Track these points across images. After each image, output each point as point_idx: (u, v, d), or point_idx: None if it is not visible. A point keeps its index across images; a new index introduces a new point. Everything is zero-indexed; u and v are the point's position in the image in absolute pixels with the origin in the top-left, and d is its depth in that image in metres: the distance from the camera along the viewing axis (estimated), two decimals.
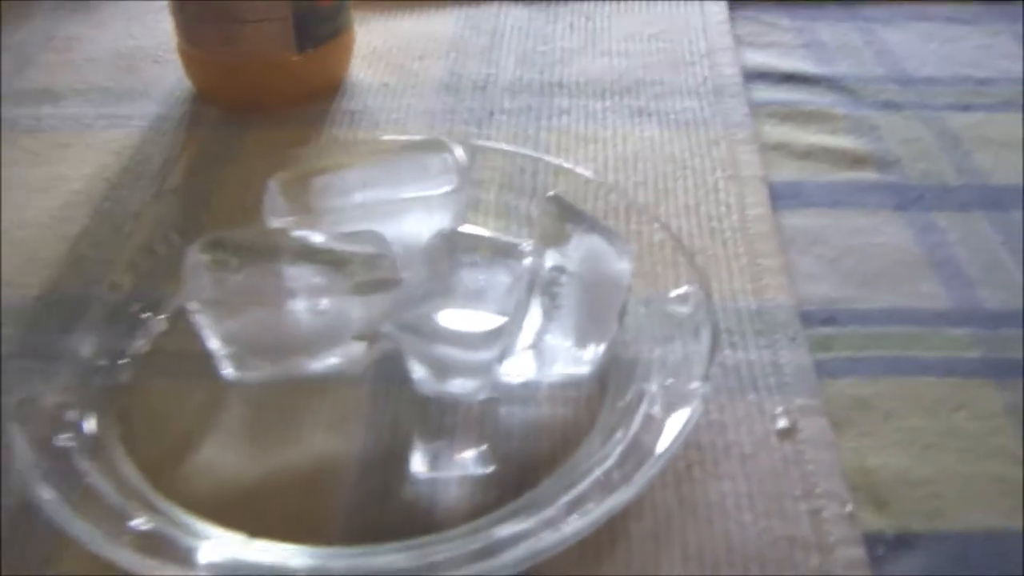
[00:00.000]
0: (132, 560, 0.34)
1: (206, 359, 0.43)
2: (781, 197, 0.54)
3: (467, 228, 0.45)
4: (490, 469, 0.39)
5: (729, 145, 0.57)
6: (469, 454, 0.40)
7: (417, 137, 0.56)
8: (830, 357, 0.45)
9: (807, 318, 0.46)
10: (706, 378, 0.40)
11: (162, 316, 0.46)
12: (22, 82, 0.65)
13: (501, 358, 0.41)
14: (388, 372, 0.43)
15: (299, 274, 0.41)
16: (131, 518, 0.36)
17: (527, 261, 0.42)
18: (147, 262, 0.48)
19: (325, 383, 0.43)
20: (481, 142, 0.55)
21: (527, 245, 0.43)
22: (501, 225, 0.50)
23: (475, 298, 0.41)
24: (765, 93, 0.62)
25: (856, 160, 0.57)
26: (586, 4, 0.72)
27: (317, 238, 0.43)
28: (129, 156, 0.58)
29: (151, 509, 0.37)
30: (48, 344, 0.44)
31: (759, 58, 0.66)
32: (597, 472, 0.37)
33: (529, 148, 0.56)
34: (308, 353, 0.42)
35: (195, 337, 0.44)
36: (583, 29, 0.69)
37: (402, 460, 0.40)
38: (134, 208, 0.53)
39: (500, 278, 0.42)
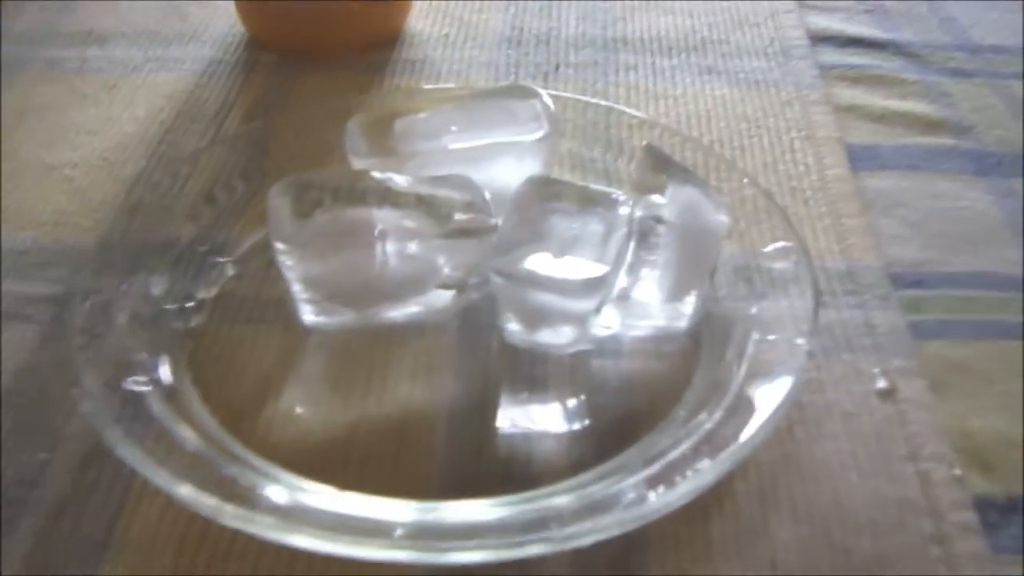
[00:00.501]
0: (219, 509, 0.32)
1: (280, 304, 0.41)
2: (858, 159, 0.52)
3: (557, 176, 0.43)
4: (585, 423, 0.38)
5: (802, 106, 0.56)
6: (562, 408, 0.39)
7: (499, 84, 0.54)
8: (922, 319, 0.43)
9: (896, 280, 0.45)
10: (811, 334, 0.38)
11: (231, 260, 0.44)
12: (64, 24, 0.63)
13: (599, 308, 0.39)
14: (475, 322, 0.41)
15: (387, 216, 0.40)
16: (214, 465, 0.35)
17: (623, 209, 0.40)
18: (209, 208, 0.46)
19: (408, 332, 0.41)
20: (552, 92, 0.53)
21: (621, 194, 0.41)
22: (578, 177, 0.49)
23: (569, 246, 0.40)
24: (832, 56, 0.61)
25: (930, 125, 0.55)
26: None
27: (404, 181, 0.41)
28: (182, 100, 0.56)
29: (232, 457, 0.36)
30: (110, 286, 0.42)
31: (822, 21, 0.64)
32: (705, 427, 0.36)
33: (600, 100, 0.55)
34: (392, 300, 0.41)
35: (267, 282, 0.43)
36: None
37: (494, 413, 0.38)
38: (191, 152, 0.51)
39: (594, 227, 0.40)
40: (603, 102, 0.52)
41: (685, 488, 0.33)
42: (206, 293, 0.43)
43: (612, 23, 0.63)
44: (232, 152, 0.49)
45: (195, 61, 0.59)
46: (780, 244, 0.43)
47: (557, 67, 0.58)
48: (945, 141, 0.54)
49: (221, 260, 0.44)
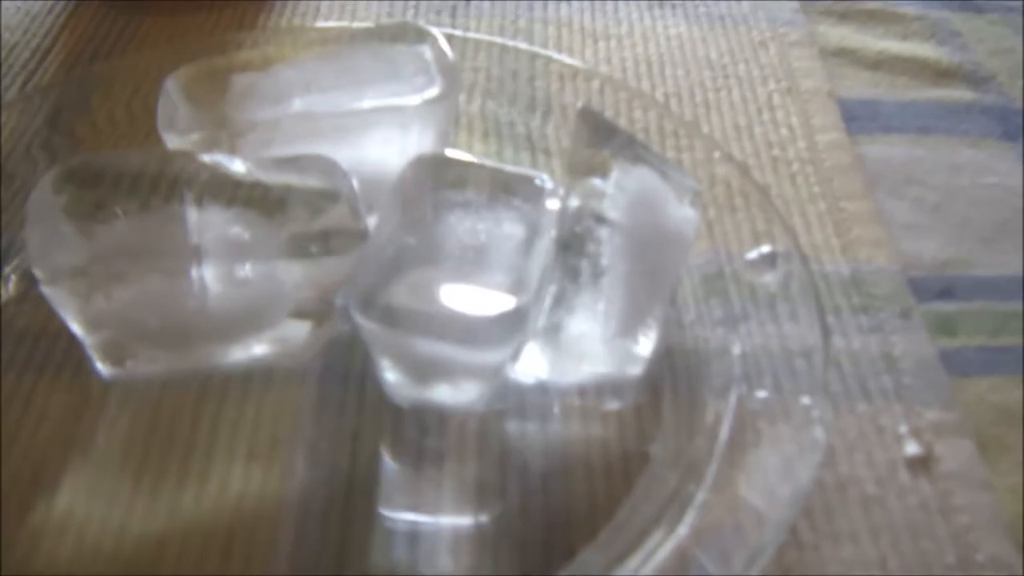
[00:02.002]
0: None
1: (73, 343, 0.28)
2: (854, 118, 0.41)
3: (455, 152, 0.31)
4: (498, 524, 0.26)
5: (780, 49, 0.44)
6: (465, 497, 0.27)
7: (377, 23, 0.41)
8: (956, 346, 0.32)
9: (917, 288, 0.34)
10: (822, 391, 0.27)
11: (14, 272, 0.32)
12: None
13: (516, 354, 0.27)
14: (340, 368, 0.29)
15: (209, 222, 0.27)
16: None
17: (550, 202, 0.28)
18: (9, 185, 0.34)
19: (248, 383, 0.29)
20: (457, 32, 0.40)
21: (547, 178, 0.29)
22: (492, 150, 0.36)
23: (474, 261, 0.28)
24: None
25: (941, 74, 0.44)
26: None
27: (237, 166, 0.28)
28: None
29: None
30: None
31: None
32: (670, 543, 0.24)
33: (522, 43, 0.42)
34: (220, 338, 0.28)
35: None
36: None
37: (366, 504, 0.26)
38: None
39: (508, 228, 0.28)
40: (525, 45, 0.40)
41: None
42: None
43: None
44: (38, 113, 0.36)
45: None
46: (766, 247, 0.31)
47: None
48: (961, 94, 0.43)
49: (17, 265, 0.32)
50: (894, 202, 0.37)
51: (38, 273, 0.26)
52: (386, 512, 0.26)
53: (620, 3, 0.46)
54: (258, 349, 0.29)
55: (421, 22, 0.41)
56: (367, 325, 0.26)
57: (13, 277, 0.32)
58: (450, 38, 0.36)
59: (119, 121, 0.37)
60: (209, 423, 0.28)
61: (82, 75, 0.40)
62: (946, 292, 0.34)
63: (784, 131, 0.39)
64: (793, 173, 0.37)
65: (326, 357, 0.29)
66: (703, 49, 0.43)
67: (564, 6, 0.45)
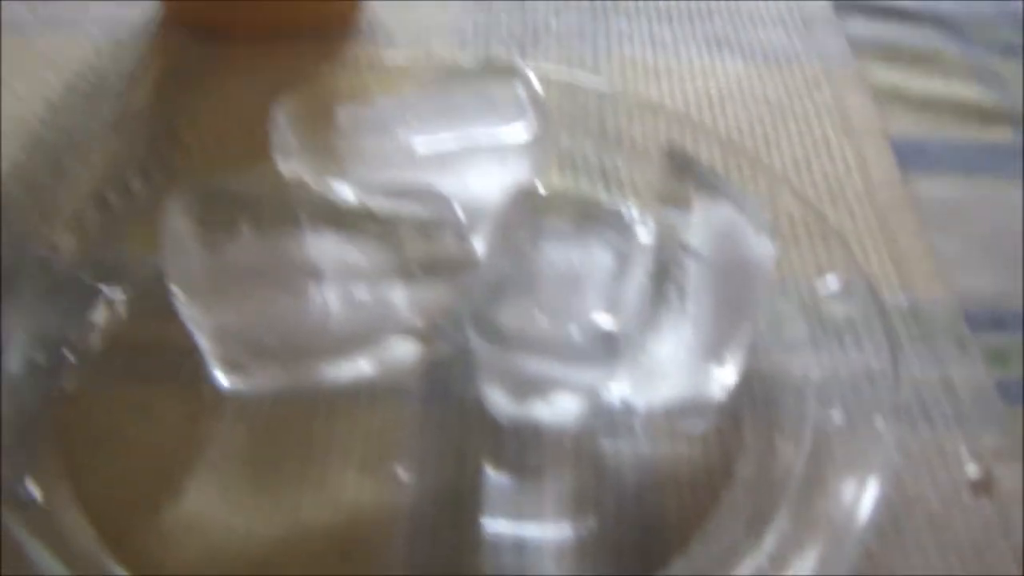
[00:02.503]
0: None
1: (186, 355, 0.31)
2: (905, 156, 0.43)
3: (547, 185, 0.33)
4: (594, 532, 0.28)
5: (833, 87, 0.46)
6: (563, 508, 0.29)
7: (470, 58, 0.43)
8: (1009, 376, 0.34)
9: (970, 320, 0.36)
10: (893, 415, 0.29)
11: (121, 291, 0.34)
12: None
13: (612, 374, 0.29)
14: (444, 385, 0.31)
15: (326, 246, 0.29)
16: None
17: (640, 233, 0.30)
18: (97, 215, 0.36)
19: (357, 399, 0.31)
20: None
21: (632, 210, 0.31)
22: (569, 182, 0.39)
23: (571, 287, 0.30)
24: (861, 27, 0.51)
25: (985, 116, 0.46)
26: None
27: (349, 192, 0.31)
28: (74, 70, 0.45)
29: None
30: None
31: None
32: (763, 550, 0.26)
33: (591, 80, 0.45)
34: (335, 356, 0.30)
35: (170, 322, 0.32)
36: None
37: (472, 515, 0.28)
38: (81, 139, 0.40)
39: (601, 257, 0.30)
40: (594, 81, 0.42)
41: None
42: (86, 338, 0.32)
43: None
44: (133, 140, 0.38)
45: (94, 22, 0.48)
46: (837, 279, 0.33)
47: (535, 35, 0.48)
48: (1005, 135, 0.45)
49: (109, 290, 0.34)
50: (945, 238, 0.39)
51: (176, 290, 0.28)
52: (491, 521, 0.28)
53: (680, 42, 0.48)
54: (366, 367, 0.31)
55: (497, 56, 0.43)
56: (479, 344, 0.28)
57: (122, 294, 0.34)
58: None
59: (209, 147, 0.39)
60: (321, 434, 0.30)
61: (172, 103, 0.42)
62: (998, 323, 0.36)
63: (840, 167, 0.42)
64: (851, 208, 0.40)
65: (428, 376, 0.31)
66: (760, 87, 0.46)
67: (627, 44, 0.48)
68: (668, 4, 0.51)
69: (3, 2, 0.49)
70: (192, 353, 0.30)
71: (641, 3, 0.51)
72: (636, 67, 0.46)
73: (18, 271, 0.33)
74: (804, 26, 0.50)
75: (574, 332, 0.28)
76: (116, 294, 0.34)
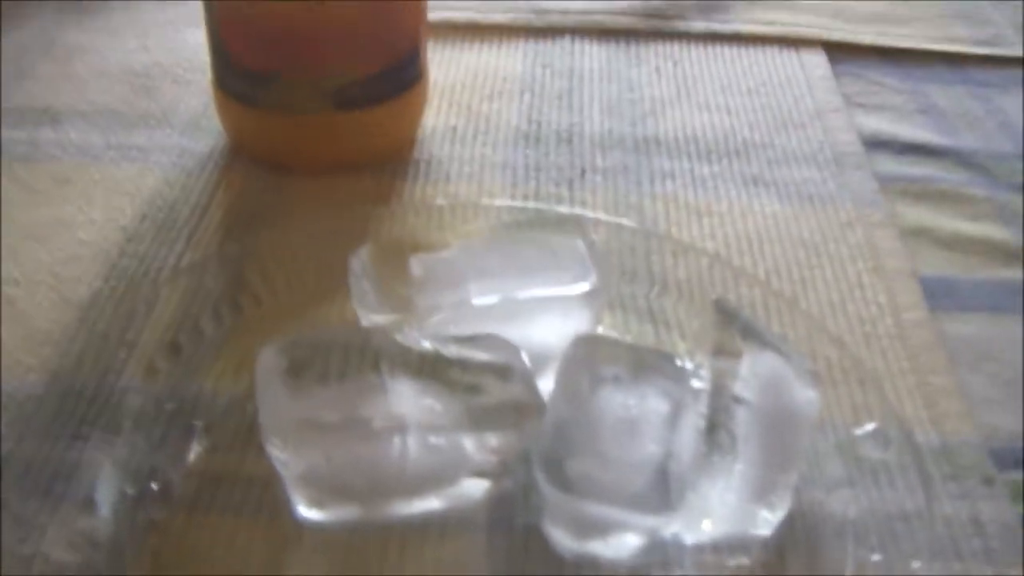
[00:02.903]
0: None
1: (267, 487, 0.33)
2: (934, 296, 0.45)
3: (606, 333, 0.36)
4: None
5: (865, 229, 0.48)
6: None
7: (534, 214, 0.46)
8: None
9: (997, 458, 0.38)
10: (929, 553, 0.31)
11: (202, 424, 0.36)
12: (18, 97, 0.55)
13: (669, 519, 0.31)
14: (508, 518, 0.34)
15: (406, 394, 0.32)
16: None
17: (693, 382, 0.33)
18: (174, 354, 0.38)
19: (426, 531, 0.33)
20: (577, 210, 0.45)
21: (684, 359, 0.34)
22: (619, 322, 0.41)
23: (628, 431, 0.32)
24: (889, 165, 0.54)
25: (1009, 255, 0.48)
26: (670, 46, 0.63)
27: (423, 342, 0.33)
28: (147, 200, 0.48)
29: None
30: (52, 462, 0.34)
31: (873, 122, 0.57)
32: None
33: (633, 218, 0.47)
34: (410, 495, 0.33)
35: (249, 453, 0.35)
36: (671, 76, 0.60)
37: None
38: (152, 282, 0.43)
39: (656, 403, 0.33)
40: (635, 225, 0.45)
41: None
42: (171, 470, 0.35)
43: (641, 119, 0.56)
44: (202, 282, 0.41)
45: (163, 151, 0.51)
46: (874, 425, 0.36)
47: (583, 172, 0.51)
48: None
49: (191, 424, 0.36)
50: (973, 377, 0.41)
51: (271, 438, 0.30)
52: None
53: (719, 180, 0.51)
54: (436, 504, 0.33)
55: (538, 193, 0.46)
56: (547, 488, 0.30)
57: (202, 428, 0.36)
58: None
59: (278, 292, 0.41)
60: (393, 564, 0.32)
61: (240, 241, 0.45)
62: (1022, 462, 0.38)
63: (873, 308, 0.44)
64: (883, 349, 0.42)
65: (495, 509, 0.34)
66: (796, 228, 0.48)
67: (669, 181, 0.51)
68: (707, 143, 0.54)
69: (81, 131, 0.52)
70: (272, 485, 0.33)
71: (680, 139, 0.54)
72: (678, 205, 0.49)
73: (106, 399, 0.36)
74: (836, 164, 0.53)
75: (634, 480, 0.30)
76: (196, 427, 0.36)
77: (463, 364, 0.33)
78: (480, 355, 0.33)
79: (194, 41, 0.59)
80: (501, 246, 0.37)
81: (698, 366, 0.33)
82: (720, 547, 0.33)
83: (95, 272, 0.43)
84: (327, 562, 0.32)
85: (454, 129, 0.54)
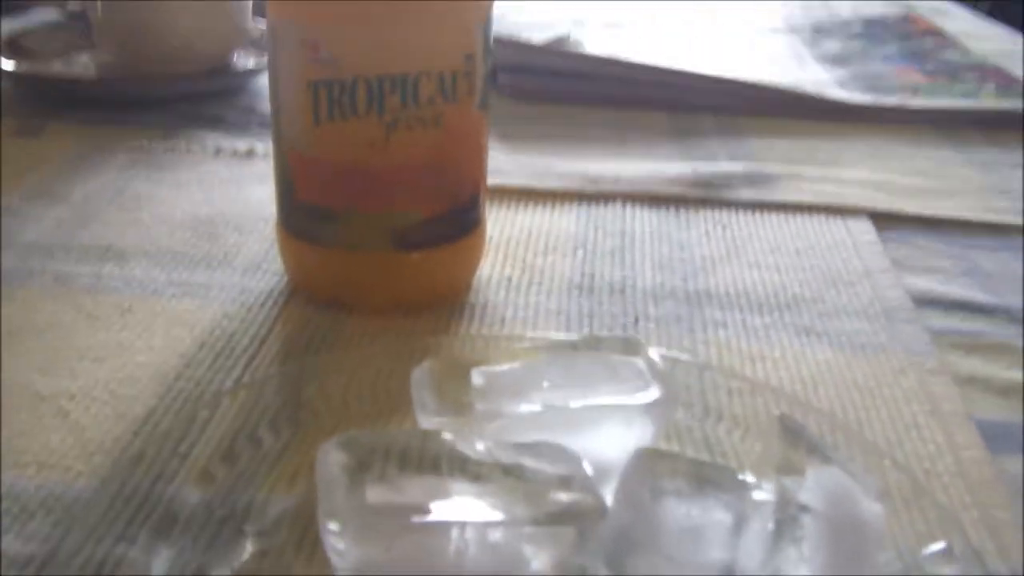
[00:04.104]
0: None
1: None
2: (992, 439, 0.45)
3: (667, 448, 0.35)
4: None
5: (919, 375, 0.48)
6: None
7: (590, 336, 0.46)
8: None
9: None
10: None
11: (254, 531, 0.36)
12: (83, 237, 0.57)
13: None
14: None
15: (466, 492, 0.31)
16: None
17: (757, 494, 0.32)
18: (229, 464, 0.38)
19: None
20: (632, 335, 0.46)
21: (745, 473, 0.33)
22: (675, 449, 0.41)
23: (691, 538, 0.31)
24: (940, 321, 0.54)
25: None
26: (718, 213, 0.64)
27: (484, 447, 0.33)
28: (206, 331, 0.48)
29: None
30: (95, 561, 0.34)
31: (921, 283, 0.58)
32: None
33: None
34: None
35: (299, 561, 0.34)
36: (721, 238, 0.61)
37: None
38: (212, 394, 0.43)
39: (719, 514, 0.32)
40: (695, 360, 0.45)
41: None
42: (222, 571, 0.34)
43: (692, 275, 0.56)
44: (261, 397, 0.41)
45: (223, 289, 0.52)
46: (941, 544, 0.35)
47: (636, 320, 0.51)
48: None
49: (242, 528, 0.36)
50: None
51: (329, 525, 0.30)
52: None
53: (771, 329, 0.51)
54: None
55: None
56: None
57: (253, 533, 0.36)
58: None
59: (335, 407, 0.42)
60: None
61: (299, 366, 0.45)
62: None
63: (931, 447, 0.43)
64: (945, 484, 0.41)
65: None
66: (849, 373, 0.48)
67: (721, 329, 0.51)
68: (758, 297, 0.54)
69: (144, 268, 0.53)
70: None
71: (731, 293, 0.55)
72: (731, 351, 0.49)
73: (156, 512, 0.36)
74: (886, 318, 0.53)
75: None
76: (248, 532, 0.36)
77: (523, 470, 0.33)
78: (541, 462, 0.33)
79: (258, 197, 0.61)
80: (562, 361, 0.38)
81: (761, 479, 0.33)
82: None
83: (152, 391, 0.44)
84: None
85: (509, 279, 0.55)
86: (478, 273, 0.54)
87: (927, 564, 0.34)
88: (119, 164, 0.66)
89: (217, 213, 0.60)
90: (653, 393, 0.36)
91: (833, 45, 1.01)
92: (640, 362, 0.37)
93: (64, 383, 0.44)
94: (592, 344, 0.39)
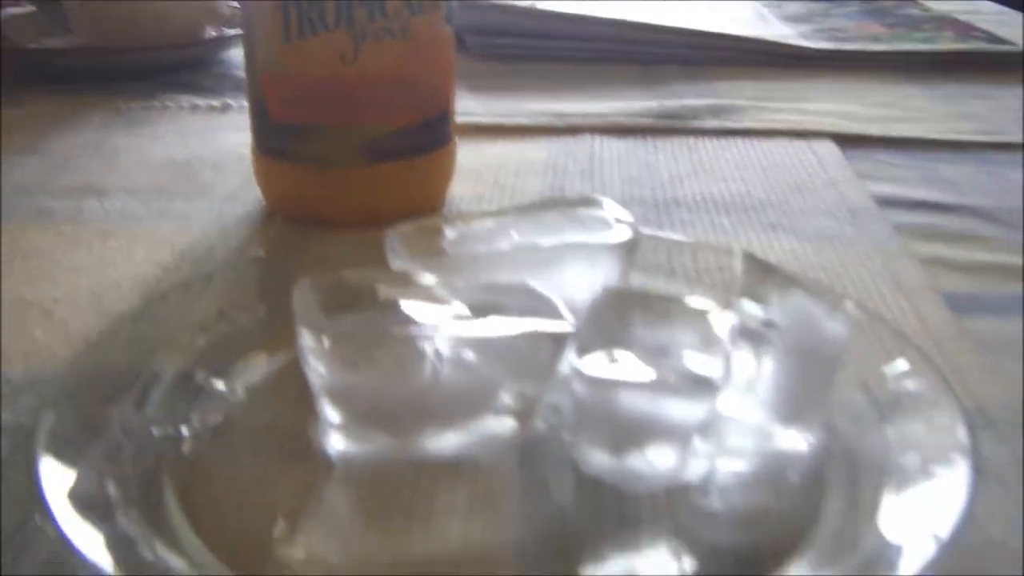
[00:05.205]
0: None
1: (299, 436, 0.33)
2: (957, 306, 0.46)
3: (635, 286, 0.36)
4: (696, 566, 0.29)
5: (884, 259, 0.50)
6: (664, 548, 0.30)
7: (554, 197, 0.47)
8: None
9: None
10: (973, 451, 0.30)
11: (242, 386, 0.37)
12: (63, 180, 0.58)
13: (706, 422, 0.31)
14: (540, 455, 0.33)
15: (440, 317, 0.33)
16: None
17: (723, 317, 0.33)
18: (220, 327, 0.39)
19: (458, 465, 0.33)
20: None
21: (715, 304, 0.34)
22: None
23: (661, 350, 0.32)
24: (904, 218, 0.55)
25: None
26: (686, 139, 0.66)
27: (457, 286, 0.34)
28: (187, 246, 0.49)
29: None
30: (89, 416, 0.34)
31: (885, 189, 0.59)
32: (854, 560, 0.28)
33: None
34: (440, 424, 0.33)
35: (284, 412, 0.35)
36: (688, 160, 0.62)
37: (575, 555, 0.30)
38: (196, 289, 0.44)
39: (688, 337, 0.33)
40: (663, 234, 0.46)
41: None
42: (206, 419, 0.35)
43: (660, 187, 0.58)
44: (252, 274, 0.42)
45: (202, 214, 0.53)
46: (905, 365, 0.36)
47: None
48: None
49: (228, 386, 0.37)
50: (1004, 360, 0.41)
51: (305, 337, 0.31)
52: (592, 553, 0.30)
53: (738, 226, 0.52)
54: (465, 439, 0.33)
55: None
56: (580, 389, 0.30)
57: (239, 389, 0.37)
58: None
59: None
60: (427, 490, 0.32)
61: (276, 252, 0.46)
62: None
63: (897, 312, 0.44)
64: (909, 340, 0.42)
65: (524, 450, 0.33)
66: (816, 259, 0.49)
67: (690, 227, 0.52)
68: (725, 202, 0.56)
69: (123, 201, 0.54)
70: (302, 434, 0.33)
71: (699, 200, 0.56)
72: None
73: (143, 373, 0.36)
74: (851, 215, 0.55)
75: (669, 373, 0.31)
76: (234, 388, 0.37)
77: (496, 304, 0.33)
78: (513, 298, 0.34)
79: (234, 141, 0.62)
80: (530, 216, 0.39)
81: (729, 306, 0.34)
82: (760, 469, 0.33)
83: (134, 294, 0.45)
84: (357, 491, 0.32)
85: (481, 196, 0.56)
86: (451, 191, 0.55)
87: (889, 381, 0.35)
88: (98, 123, 0.67)
89: (194, 156, 0.61)
90: (618, 235, 0.37)
91: (796, 7, 1.03)
92: (604, 213, 0.38)
93: (48, 290, 0.45)
94: (557, 203, 0.40)
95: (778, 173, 0.61)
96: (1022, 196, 0.58)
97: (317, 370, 0.31)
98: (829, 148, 0.65)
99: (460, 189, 0.56)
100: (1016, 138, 0.67)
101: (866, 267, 0.49)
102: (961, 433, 0.32)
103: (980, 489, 0.32)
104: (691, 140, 0.66)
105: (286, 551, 0.30)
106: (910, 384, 0.35)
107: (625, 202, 0.53)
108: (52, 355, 0.40)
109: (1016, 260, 0.50)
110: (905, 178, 0.61)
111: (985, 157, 0.65)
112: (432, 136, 0.52)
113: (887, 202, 0.57)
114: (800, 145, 0.65)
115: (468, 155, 0.60)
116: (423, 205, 0.53)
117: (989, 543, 0.31)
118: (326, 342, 0.31)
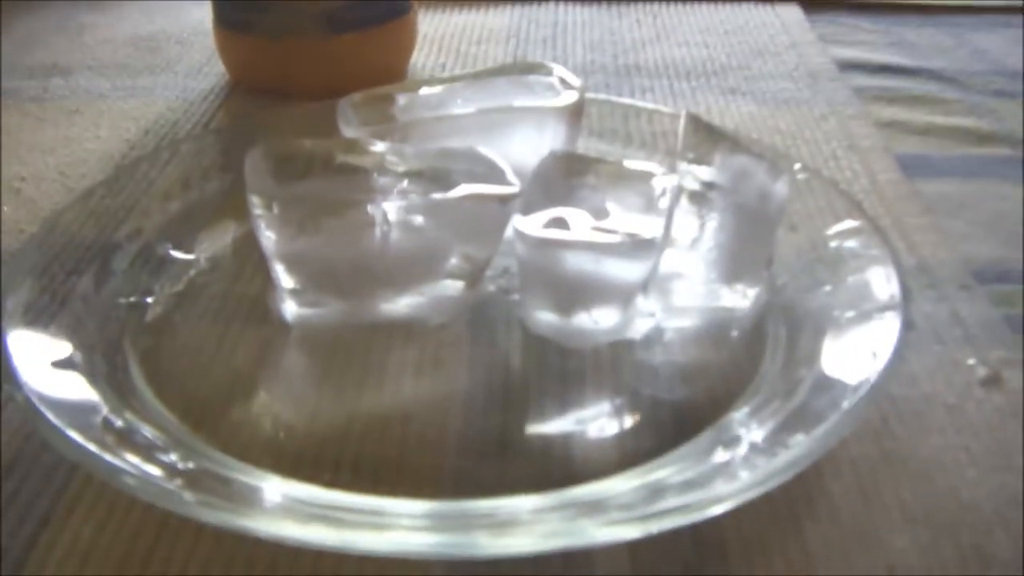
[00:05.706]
0: (186, 498, 0.25)
1: (257, 301, 0.35)
2: (909, 167, 0.47)
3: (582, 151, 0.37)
4: (636, 417, 0.31)
5: (840, 120, 0.50)
6: (605, 400, 0.32)
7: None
8: (1017, 312, 0.37)
9: (978, 276, 0.39)
10: (903, 304, 0.32)
11: (202, 255, 0.38)
12: (27, 60, 0.58)
13: (647, 282, 0.33)
14: (489, 317, 0.35)
15: (388, 183, 0.33)
16: (179, 453, 0.28)
17: (667, 179, 0.34)
18: (182, 199, 0.40)
19: (410, 325, 0.34)
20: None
21: (662, 168, 0.35)
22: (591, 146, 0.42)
23: (603, 216, 0.33)
24: (864, 80, 0.56)
25: (982, 137, 0.50)
26: (651, 5, 0.66)
27: (406, 152, 0.35)
28: (151, 121, 0.50)
29: (196, 453, 0.29)
30: (56, 287, 0.35)
31: (847, 52, 0.59)
32: (789, 407, 0.29)
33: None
34: (391, 288, 0.34)
35: (243, 278, 0.36)
36: (651, 25, 0.62)
37: (520, 408, 0.31)
38: (159, 164, 0.45)
39: (632, 200, 0.34)
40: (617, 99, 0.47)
41: (780, 462, 0.26)
42: (168, 287, 0.36)
43: (623, 53, 0.58)
44: (215, 145, 0.43)
45: (167, 89, 0.54)
46: (846, 223, 0.37)
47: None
48: (1002, 151, 0.49)
49: (190, 255, 0.38)
50: (950, 221, 0.42)
51: (255, 204, 0.32)
52: (538, 405, 0.31)
53: (697, 91, 0.53)
54: (418, 301, 0.34)
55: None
56: (525, 250, 0.31)
57: (202, 259, 0.38)
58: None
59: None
60: (380, 349, 0.33)
61: (235, 125, 0.47)
62: (1003, 276, 0.39)
63: (849, 174, 0.45)
64: (859, 201, 0.43)
65: (474, 312, 0.35)
66: (772, 122, 0.50)
67: (649, 95, 0.53)
68: (686, 67, 0.56)
69: (88, 79, 0.55)
70: (261, 300, 0.34)
71: (660, 65, 0.56)
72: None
73: (107, 244, 0.37)
74: (810, 78, 0.55)
75: (612, 234, 0.32)
76: (195, 257, 0.38)
77: (443, 169, 0.34)
78: (461, 163, 0.34)
79: (198, 16, 0.62)
80: (479, 82, 0.39)
81: (674, 168, 0.35)
82: (703, 326, 0.34)
83: (100, 171, 0.45)
84: (312, 351, 0.34)
85: (443, 64, 0.56)
86: (412, 61, 0.55)
87: (831, 240, 0.36)
88: (59, 4, 0.67)
89: (159, 30, 0.61)
90: (565, 99, 0.38)
91: None
92: (552, 79, 0.39)
93: (15, 169, 0.45)
94: (506, 70, 0.40)
95: (741, 37, 0.61)
96: (985, 60, 0.59)
97: (268, 236, 0.32)
98: (793, 12, 0.65)
99: (422, 59, 0.56)
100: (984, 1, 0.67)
101: (820, 128, 0.49)
102: (896, 289, 0.33)
103: (917, 346, 0.34)
104: (656, 5, 0.66)
105: (244, 409, 0.31)
106: (853, 243, 0.36)
107: (586, 69, 0.55)
108: (20, 232, 0.41)
109: (967, 122, 0.51)
110: (869, 42, 0.61)
111: (951, 20, 0.65)
112: (392, 5, 0.52)
113: (850, 65, 0.58)
114: (765, 9, 0.65)
115: (430, 24, 0.61)
116: (385, 76, 0.53)
117: (924, 399, 0.32)
118: (276, 208, 0.32)
